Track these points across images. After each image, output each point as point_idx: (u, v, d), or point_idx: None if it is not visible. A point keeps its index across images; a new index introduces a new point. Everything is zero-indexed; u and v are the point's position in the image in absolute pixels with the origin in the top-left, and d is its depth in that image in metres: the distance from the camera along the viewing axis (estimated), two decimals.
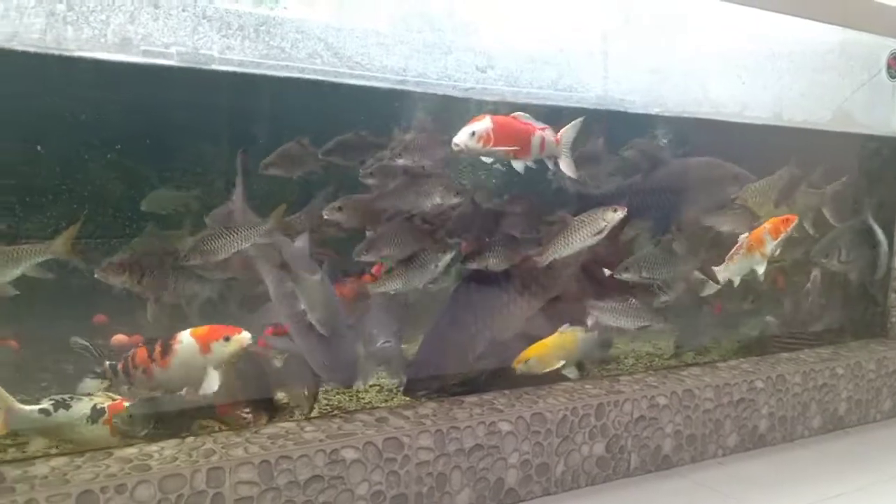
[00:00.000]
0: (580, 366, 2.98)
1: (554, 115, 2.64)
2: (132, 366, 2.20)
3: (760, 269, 3.12)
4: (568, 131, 2.63)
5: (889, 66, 3.72)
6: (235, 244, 2.40)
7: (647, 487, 2.76)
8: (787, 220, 3.12)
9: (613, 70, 2.93)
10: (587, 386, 2.84)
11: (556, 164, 2.65)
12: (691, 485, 2.79)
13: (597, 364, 3.17)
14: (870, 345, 3.76)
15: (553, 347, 2.75)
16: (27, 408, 2.15)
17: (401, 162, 2.66)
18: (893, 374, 3.62)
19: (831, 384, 3.38)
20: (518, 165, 2.54)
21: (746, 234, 3.13)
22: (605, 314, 2.92)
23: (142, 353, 2.20)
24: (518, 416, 2.54)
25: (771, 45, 3.36)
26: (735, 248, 3.13)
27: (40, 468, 1.96)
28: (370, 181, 2.73)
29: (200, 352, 2.17)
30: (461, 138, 2.40)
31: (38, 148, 2.39)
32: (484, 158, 2.54)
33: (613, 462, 2.76)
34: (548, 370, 2.73)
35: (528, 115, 2.55)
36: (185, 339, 2.18)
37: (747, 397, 3.10)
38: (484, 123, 2.42)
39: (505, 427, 2.51)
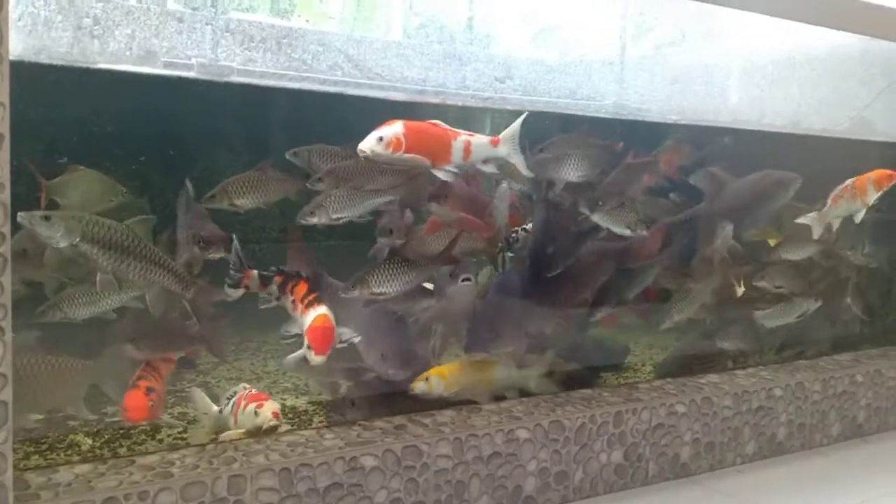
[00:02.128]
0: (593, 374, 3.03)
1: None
2: (288, 291, 2.35)
3: (859, 218, 3.18)
4: (511, 130, 2.49)
5: None
6: None
7: (665, 495, 2.75)
8: (891, 175, 3.17)
9: (631, 79, 2.94)
10: (605, 394, 2.84)
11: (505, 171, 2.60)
12: (709, 493, 2.79)
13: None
14: (889, 352, 3.74)
15: (462, 373, 2.65)
16: (215, 406, 2.42)
17: None
18: None
19: (850, 392, 3.37)
20: (440, 173, 2.41)
21: (851, 180, 3.18)
22: (768, 319, 3.20)
23: (303, 286, 2.34)
24: (536, 423, 2.55)
25: (790, 52, 3.36)
26: (840, 190, 3.16)
27: (64, 475, 1.98)
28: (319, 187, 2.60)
29: None
30: (367, 144, 2.27)
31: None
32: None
33: (631, 470, 2.76)
34: (448, 394, 2.60)
35: (444, 123, 2.42)
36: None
37: (766, 405, 3.09)
38: (394, 128, 2.27)
39: (523, 435, 2.52)
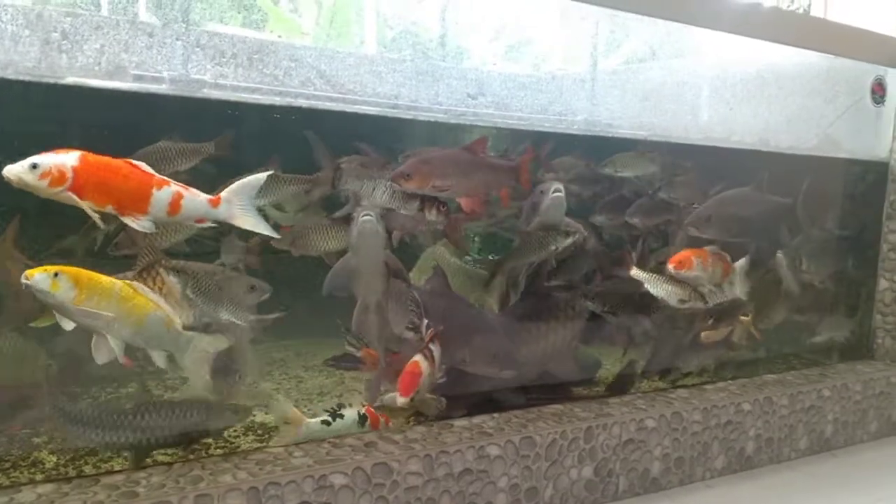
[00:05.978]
0: None
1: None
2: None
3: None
4: (239, 187, 2.09)
5: (873, 92, 3.77)
6: None
7: None
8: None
9: (602, 96, 2.97)
10: (576, 409, 2.85)
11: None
12: None
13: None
14: (856, 367, 3.79)
15: (108, 291, 1.98)
16: (313, 420, 2.46)
17: None
18: (880, 395, 3.64)
19: (818, 406, 3.40)
20: (132, 223, 1.94)
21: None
22: None
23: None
24: (507, 440, 2.55)
25: (759, 70, 3.41)
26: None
27: (27, 495, 1.95)
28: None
29: None
30: (15, 169, 1.77)
31: None
32: None
33: (602, 485, 2.76)
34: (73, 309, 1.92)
35: (147, 167, 1.98)
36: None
37: (735, 419, 3.12)
38: (62, 157, 1.81)
39: (494, 451, 2.52)
